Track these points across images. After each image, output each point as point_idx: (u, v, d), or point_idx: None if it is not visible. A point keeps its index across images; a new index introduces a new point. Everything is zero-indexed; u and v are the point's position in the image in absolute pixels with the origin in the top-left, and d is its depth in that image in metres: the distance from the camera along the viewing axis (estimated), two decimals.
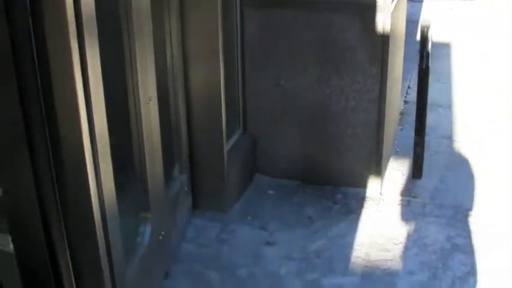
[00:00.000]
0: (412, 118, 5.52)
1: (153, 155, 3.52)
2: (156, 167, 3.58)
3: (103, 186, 2.67)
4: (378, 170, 4.88)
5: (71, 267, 2.57)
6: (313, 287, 3.84)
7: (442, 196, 4.90)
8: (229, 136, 4.67)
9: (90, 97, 2.50)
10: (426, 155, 5.25)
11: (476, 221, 4.55)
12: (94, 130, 2.55)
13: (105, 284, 2.79)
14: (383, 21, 4.41)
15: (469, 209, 4.71)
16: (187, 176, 4.40)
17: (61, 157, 2.47)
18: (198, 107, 4.30)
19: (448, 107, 6.54)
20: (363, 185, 4.92)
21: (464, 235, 4.39)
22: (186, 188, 4.39)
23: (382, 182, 5.00)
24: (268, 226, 4.43)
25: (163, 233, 3.76)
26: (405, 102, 6.58)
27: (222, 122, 4.34)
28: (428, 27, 4.82)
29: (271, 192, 4.89)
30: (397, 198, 4.89)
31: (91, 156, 2.56)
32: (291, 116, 4.88)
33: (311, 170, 5.00)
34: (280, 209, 4.67)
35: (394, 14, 4.59)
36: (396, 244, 4.25)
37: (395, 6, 4.67)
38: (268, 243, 4.24)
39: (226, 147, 4.53)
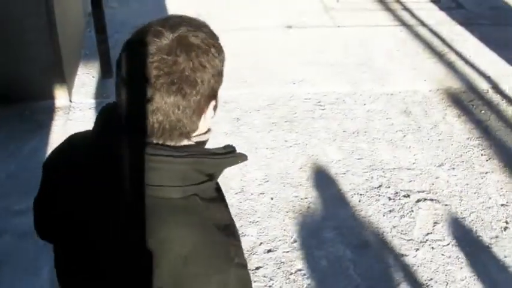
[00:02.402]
0: None
1: None
2: None
3: None
4: (62, 77, 4.62)
5: None
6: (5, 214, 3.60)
7: None
8: None
9: None
10: (116, 52, 5.11)
11: None
12: None
13: None
14: None
15: None
16: None
17: None
18: None
19: None
20: (50, 96, 4.64)
21: None
22: None
23: (70, 89, 4.78)
24: None
25: None
26: None
27: None
28: None
29: None
30: (90, 102, 4.73)
31: None
32: None
33: None
34: None
35: None
36: None
37: None
38: None
39: None
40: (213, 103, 1.26)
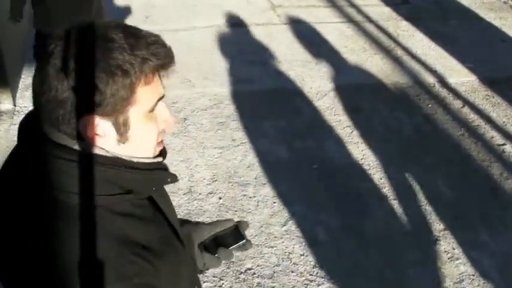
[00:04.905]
0: None
1: None
2: None
3: None
4: (5, 80, 4.51)
5: None
6: None
7: None
8: None
9: None
10: None
11: None
12: None
13: None
14: None
15: None
16: None
17: None
18: None
19: None
20: None
21: None
22: None
23: (14, 92, 4.66)
24: None
25: None
26: None
27: None
28: None
29: None
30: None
31: None
32: None
33: None
34: None
35: None
36: None
37: None
38: None
39: None
40: (96, 119, 1.13)
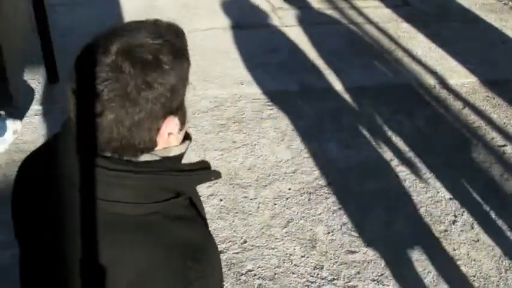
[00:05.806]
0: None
1: None
2: None
3: None
4: (6, 83, 4.51)
5: None
6: None
7: None
8: None
9: None
10: (63, 57, 5.00)
11: None
12: None
13: None
14: None
15: None
16: None
17: None
18: None
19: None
20: None
21: None
22: None
23: (16, 95, 4.67)
24: None
25: None
26: None
27: None
28: None
29: None
30: (36, 108, 4.63)
31: None
32: None
33: None
34: None
35: None
36: None
37: None
38: None
39: None
40: (171, 119, 1.17)
